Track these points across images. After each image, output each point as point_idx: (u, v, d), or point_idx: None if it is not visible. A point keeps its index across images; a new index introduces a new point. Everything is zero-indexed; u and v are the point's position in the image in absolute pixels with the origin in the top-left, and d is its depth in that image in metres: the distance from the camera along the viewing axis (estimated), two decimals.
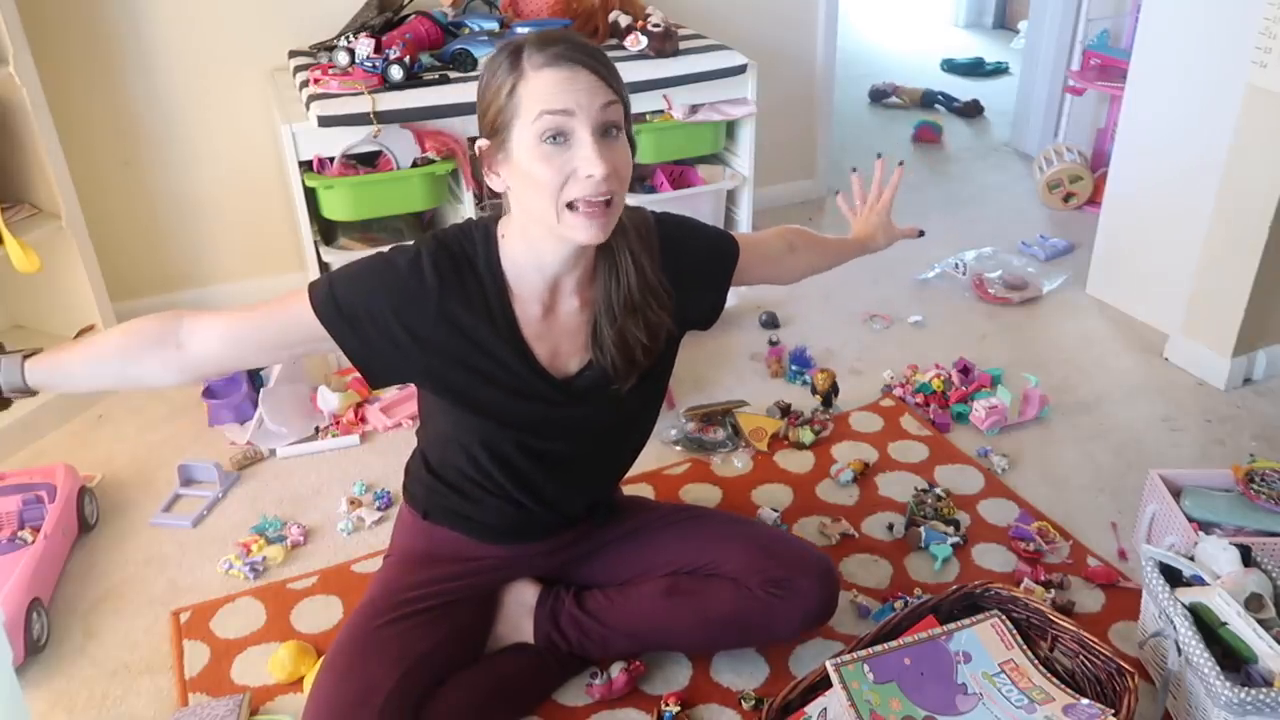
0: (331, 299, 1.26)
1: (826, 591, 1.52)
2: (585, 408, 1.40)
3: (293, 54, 2.51)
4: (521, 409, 1.37)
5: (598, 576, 1.59)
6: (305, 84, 2.26)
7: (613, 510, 1.64)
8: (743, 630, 1.54)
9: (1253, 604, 1.46)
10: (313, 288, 1.28)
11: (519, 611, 1.57)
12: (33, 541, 1.77)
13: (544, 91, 1.17)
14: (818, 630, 1.66)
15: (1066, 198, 3.33)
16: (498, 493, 1.45)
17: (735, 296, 2.71)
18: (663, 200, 2.58)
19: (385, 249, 1.31)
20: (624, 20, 2.56)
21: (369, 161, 2.30)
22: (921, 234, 1.79)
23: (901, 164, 1.78)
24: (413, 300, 1.26)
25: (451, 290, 1.27)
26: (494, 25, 2.44)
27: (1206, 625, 1.44)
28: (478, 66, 2.35)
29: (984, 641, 1.44)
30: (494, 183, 1.27)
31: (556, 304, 1.34)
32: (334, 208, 2.27)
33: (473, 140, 2.31)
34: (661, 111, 2.48)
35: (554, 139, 1.17)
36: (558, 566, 1.59)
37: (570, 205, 1.20)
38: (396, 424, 2.25)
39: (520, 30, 2.42)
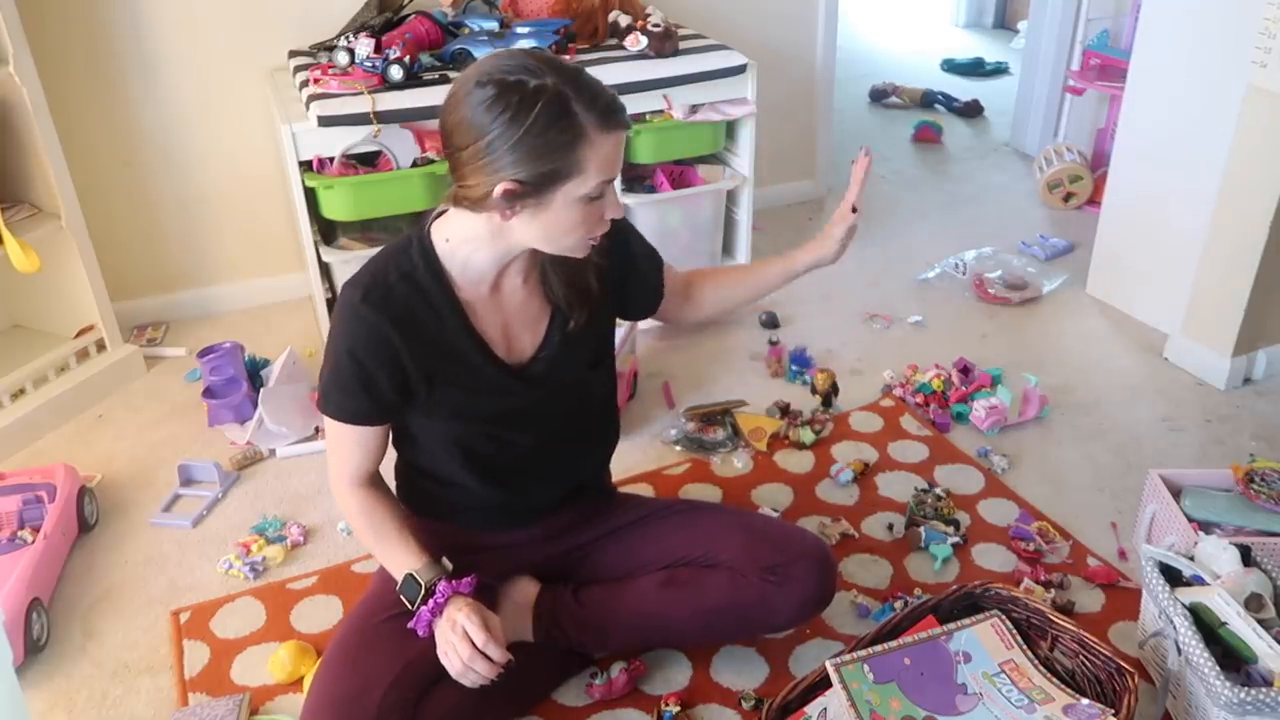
0: (331, 405, 1.37)
1: (824, 577, 1.51)
2: (541, 391, 1.45)
3: (293, 54, 2.51)
4: (484, 404, 1.42)
5: (595, 573, 1.59)
6: (305, 84, 2.26)
7: (604, 491, 1.67)
8: (740, 618, 1.53)
9: (1253, 604, 1.46)
10: (322, 407, 1.38)
11: (518, 610, 1.56)
12: (33, 541, 1.77)
13: (606, 159, 1.22)
14: (818, 629, 1.66)
15: (1066, 198, 3.33)
16: (476, 486, 1.48)
17: None
18: (663, 200, 2.58)
19: (331, 334, 1.36)
20: (624, 20, 2.56)
21: (369, 161, 2.30)
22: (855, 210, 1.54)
23: (866, 152, 1.54)
24: (379, 345, 1.31)
25: (397, 314, 1.31)
26: (494, 25, 2.44)
27: (1206, 625, 1.44)
28: None
29: (984, 641, 1.44)
30: (494, 215, 1.25)
31: (502, 283, 1.39)
32: (334, 208, 2.27)
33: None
34: (661, 111, 2.48)
35: (598, 197, 1.25)
36: (557, 559, 1.59)
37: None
38: None
39: (520, 30, 2.41)
